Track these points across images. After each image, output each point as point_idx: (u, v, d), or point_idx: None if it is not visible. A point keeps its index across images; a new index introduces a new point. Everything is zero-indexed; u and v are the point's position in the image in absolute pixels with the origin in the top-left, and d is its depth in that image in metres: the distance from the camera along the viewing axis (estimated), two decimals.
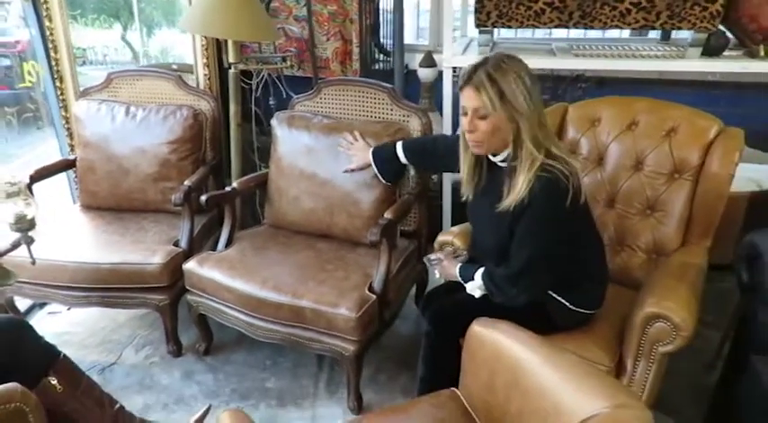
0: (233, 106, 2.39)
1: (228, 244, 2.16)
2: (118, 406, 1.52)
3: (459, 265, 1.64)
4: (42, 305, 2.50)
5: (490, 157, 1.53)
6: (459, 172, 1.63)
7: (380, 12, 3.26)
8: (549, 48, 2.77)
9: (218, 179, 2.50)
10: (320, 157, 2.15)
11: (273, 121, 2.26)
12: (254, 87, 2.66)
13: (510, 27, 2.44)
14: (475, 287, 1.56)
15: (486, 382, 1.27)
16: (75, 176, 2.49)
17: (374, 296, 1.85)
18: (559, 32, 3.49)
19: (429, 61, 3.00)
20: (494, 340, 1.26)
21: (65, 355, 1.45)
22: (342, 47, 3.01)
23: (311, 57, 2.85)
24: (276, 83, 2.77)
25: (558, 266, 1.50)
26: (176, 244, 2.17)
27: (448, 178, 2.57)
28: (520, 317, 1.38)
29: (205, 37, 2.51)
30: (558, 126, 2.06)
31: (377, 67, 3.26)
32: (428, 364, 1.65)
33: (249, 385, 2.10)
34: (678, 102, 1.95)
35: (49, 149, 2.73)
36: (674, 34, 2.88)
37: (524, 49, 2.80)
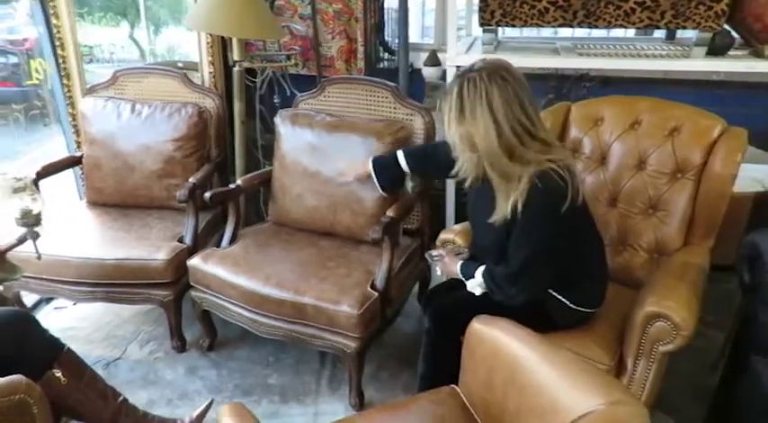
0: (237, 104, 2.41)
1: (232, 241, 2.18)
2: (121, 398, 1.54)
3: (461, 262, 1.65)
4: (49, 300, 2.52)
5: None
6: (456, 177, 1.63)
7: (386, 10, 3.27)
8: (554, 47, 2.77)
9: (222, 176, 2.52)
10: (323, 155, 2.16)
11: (277, 119, 2.27)
12: (258, 85, 2.67)
13: (514, 26, 2.45)
14: (475, 285, 1.57)
15: (484, 379, 1.28)
16: (82, 173, 2.51)
17: (376, 293, 1.86)
18: (565, 31, 3.49)
19: (433, 60, 3.01)
20: (492, 338, 1.27)
21: (69, 348, 1.47)
22: (347, 45, 3.02)
23: (315, 55, 2.86)
24: (280, 81, 2.78)
25: (556, 265, 1.51)
26: (181, 240, 2.18)
27: None
28: (520, 315, 1.38)
29: (210, 35, 2.53)
30: (560, 125, 2.06)
31: (382, 65, 3.27)
32: (429, 361, 1.66)
33: (252, 381, 2.12)
34: (683, 101, 1.95)
35: (56, 146, 2.75)
36: (680, 34, 2.88)
37: (528, 48, 2.81)
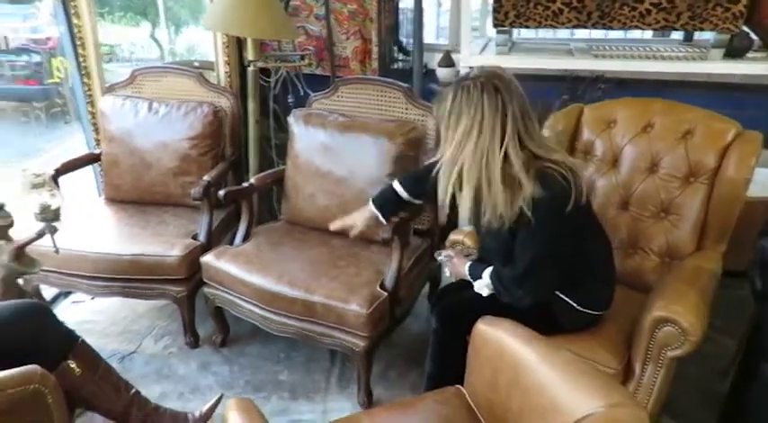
0: (251, 103, 2.44)
1: (246, 238, 2.21)
2: (133, 391, 1.58)
3: (469, 263, 1.65)
4: (67, 294, 2.58)
5: None
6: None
7: (401, 11, 3.28)
8: (568, 48, 2.76)
9: (237, 175, 2.56)
10: (336, 154, 2.19)
11: (290, 119, 2.30)
12: (272, 85, 2.70)
13: (527, 27, 2.44)
14: (482, 286, 1.57)
15: (489, 379, 1.29)
16: (101, 170, 2.57)
17: (385, 293, 1.88)
18: (583, 33, 3.46)
19: (448, 61, 3.01)
20: (497, 339, 1.28)
21: (83, 341, 1.51)
22: (361, 46, 3.04)
23: (329, 55, 2.88)
24: (294, 81, 2.81)
25: (562, 267, 1.51)
26: (195, 237, 2.22)
27: None
28: (527, 317, 1.39)
29: (226, 35, 2.57)
30: (572, 127, 2.06)
31: (396, 66, 3.29)
32: (435, 361, 1.67)
33: (263, 377, 2.15)
34: (700, 104, 1.92)
35: (76, 144, 2.82)
36: (698, 35, 2.84)
37: (542, 49, 2.80)
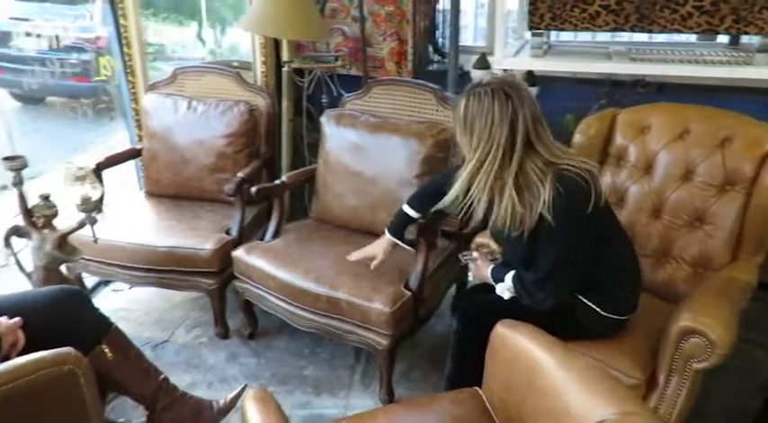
0: (285, 102, 2.50)
1: (276, 235, 2.26)
2: (162, 377, 1.64)
3: (492, 266, 1.65)
4: (107, 283, 2.69)
5: None
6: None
7: (439, 13, 3.29)
8: (607, 51, 2.71)
9: (270, 172, 2.62)
10: (365, 154, 2.22)
11: (323, 119, 2.34)
12: (306, 85, 2.75)
13: (563, 30, 2.42)
14: (504, 289, 1.57)
15: (505, 381, 1.29)
16: (142, 165, 2.67)
17: (409, 293, 1.89)
18: (624, 36, 3.39)
19: (482, 63, 2.99)
20: (515, 341, 1.28)
21: (117, 327, 1.58)
22: (398, 47, 3.06)
23: (362, 56, 2.91)
24: (328, 81, 2.86)
25: (583, 269, 1.50)
26: (228, 232, 2.28)
27: None
28: (550, 321, 1.39)
29: (264, 36, 2.63)
30: (605, 132, 2.02)
31: (432, 67, 3.30)
32: (455, 362, 1.68)
33: (288, 371, 2.19)
34: (745, 110, 1.86)
35: (121, 139, 2.94)
36: (745, 39, 2.74)
37: (579, 52, 2.76)
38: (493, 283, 1.63)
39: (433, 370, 2.16)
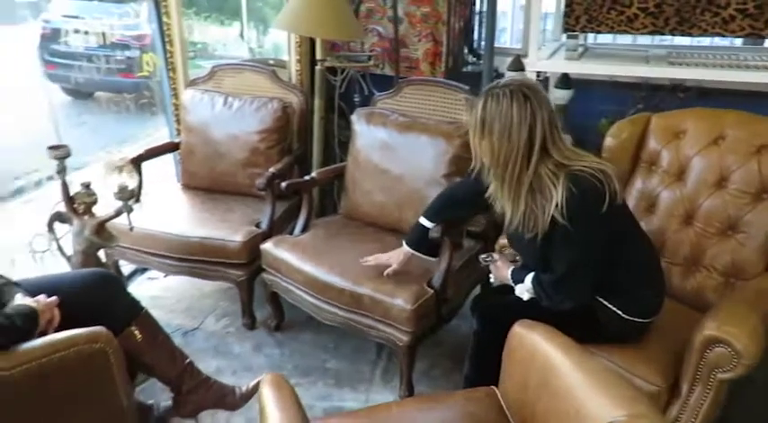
0: (317, 100, 2.55)
1: (305, 229, 2.30)
2: (188, 361, 1.71)
3: (512, 267, 1.65)
4: (143, 271, 2.80)
5: None
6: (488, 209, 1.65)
7: (476, 14, 3.28)
8: (645, 54, 2.65)
9: (302, 168, 2.67)
10: (394, 153, 2.24)
11: (353, 117, 2.38)
12: (338, 84, 2.79)
13: (599, 32, 2.39)
14: (523, 290, 1.57)
15: (520, 381, 1.30)
16: (180, 158, 2.77)
17: (431, 291, 1.91)
18: (665, 39, 3.31)
19: (517, 65, 2.97)
20: (531, 341, 1.28)
21: (147, 311, 1.65)
22: (433, 48, 3.07)
23: (395, 56, 2.93)
24: (360, 80, 2.89)
25: (601, 270, 1.49)
26: (258, 225, 2.34)
27: None
28: (571, 323, 1.39)
29: (299, 35, 2.69)
30: (638, 136, 1.99)
31: (467, 69, 3.29)
32: (474, 362, 1.69)
33: (311, 363, 2.23)
34: None
35: (163, 133, 3.05)
36: None
37: (616, 55, 2.71)
38: (513, 285, 1.63)
39: (454, 369, 2.17)
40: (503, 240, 1.92)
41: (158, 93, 3.02)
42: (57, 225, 1.96)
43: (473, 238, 2.27)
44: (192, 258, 2.27)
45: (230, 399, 1.74)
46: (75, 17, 4.03)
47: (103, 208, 1.94)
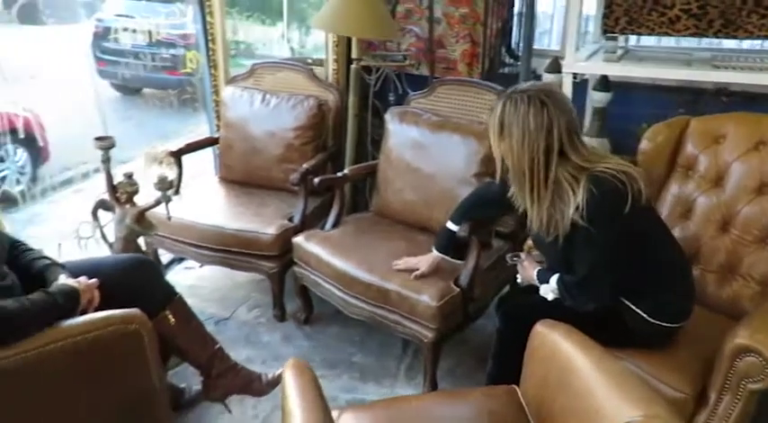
0: (351, 98, 2.59)
1: (336, 225, 2.35)
2: (218, 346, 1.77)
3: (538, 268, 1.65)
4: (180, 260, 2.89)
5: None
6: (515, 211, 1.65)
7: (516, 16, 3.26)
8: (688, 57, 2.59)
9: (335, 165, 2.71)
10: (426, 152, 2.26)
11: (387, 115, 2.41)
12: (373, 82, 2.83)
13: (640, 34, 2.35)
14: (548, 290, 1.57)
15: (540, 379, 1.30)
16: (218, 152, 2.86)
17: (458, 289, 1.92)
18: (711, 41, 3.21)
19: (554, 67, 2.94)
20: (552, 340, 1.28)
21: (181, 296, 1.72)
22: (470, 49, 3.07)
23: (430, 56, 2.95)
24: (395, 80, 2.92)
25: (623, 271, 1.47)
26: (290, 220, 2.40)
27: None
28: (596, 326, 1.38)
29: (337, 35, 2.73)
30: (675, 140, 1.95)
31: (504, 70, 3.28)
32: (496, 360, 1.69)
33: (337, 356, 2.27)
34: None
35: (205, 129, 3.16)
36: None
37: (657, 57, 2.65)
38: (538, 285, 1.62)
39: (478, 368, 2.16)
40: (530, 241, 1.91)
41: (200, 89, 3.12)
42: (100, 213, 2.06)
43: (502, 238, 2.26)
44: (227, 249, 2.35)
45: (257, 385, 1.80)
46: (126, 16, 4.22)
47: (144, 198, 2.03)
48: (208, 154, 3.02)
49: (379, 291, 1.98)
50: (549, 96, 1.41)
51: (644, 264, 1.49)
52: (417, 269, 1.94)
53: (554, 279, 1.56)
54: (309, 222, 2.47)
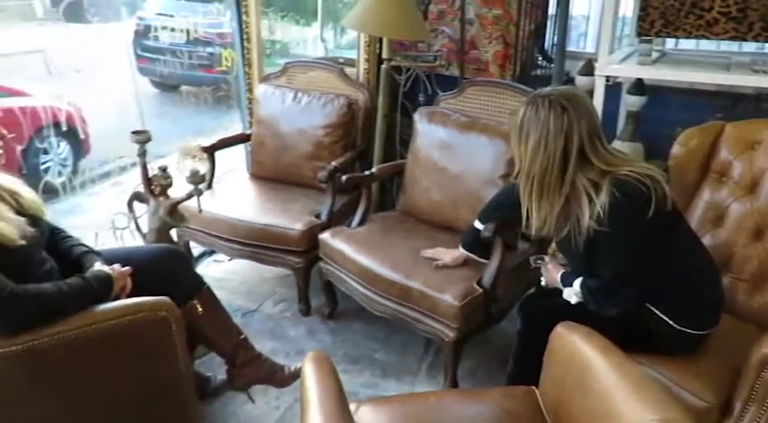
0: (381, 98, 2.61)
1: (362, 223, 2.37)
2: (242, 336, 1.82)
3: (563, 271, 1.64)
4: (211, 253, 2.97)
5: None
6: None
7: (550, 17, 3.24)
8: (726, 61, 2.53)
9: (363, 164, 2.74)
10: (453, 152, 2.27)
11: (416, 115, 2.43)
12: (402, 83, 2.85)
13: (676, 37, 2.30)
14: (571, 293, 1.56)
15: (559, 380, 1.30)
16: (250, 149, 2.92)
17: (481, 290, 1.92)
18: (752, 45, 3.12)
19: (588, 69, 2.91)
20: (572, 342, 1.28)
21: (209, 287, 1.77)
22: (503, 50, 3.05)
23: (459, 57, 2.95)
24: (424, 80, 2.93)
25: (648, 278, 1.46)
26: (318, 216, 2.43)
27: None
28: (619, 330, 1.37)
29: (369, 35, 2.76)
30: (708, 145, 1.91)
31: (538, 72, 3.25)
32: (517, 361, 1.69)
33: (360, 353, 2.30)
34: None
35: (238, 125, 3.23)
36: None
37: (695, 61, 2.60)
38: (561, 288, 1.61)
39: (500, 370, 2.15)
40: (555, 244, 1.90)
41: (235, 87, 3.20)
42: (136, 204, 2.13)
43: (528, 240, 2.25)
44: (255, 243, 2.40)
45: (279, 375, 1.84)
46: (166, 15, 4.35)
47: (178, 191, 2.09)
48: (240, 151, 3.09)
49: (401, 288, 2.00)
50: (571, 100, 1.41)
51: (670, 270, 1.47)
52: (440, 259, 2.01)
53: (577, 283, 1.55)
54: (336, 219, 2.50)
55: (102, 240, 2.50)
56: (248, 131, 2.90)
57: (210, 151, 2.58)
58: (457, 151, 2.26)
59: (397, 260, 2.07)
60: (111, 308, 1.41)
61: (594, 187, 1.39)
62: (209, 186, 2.60)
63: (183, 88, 4.69)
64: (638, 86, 2.56)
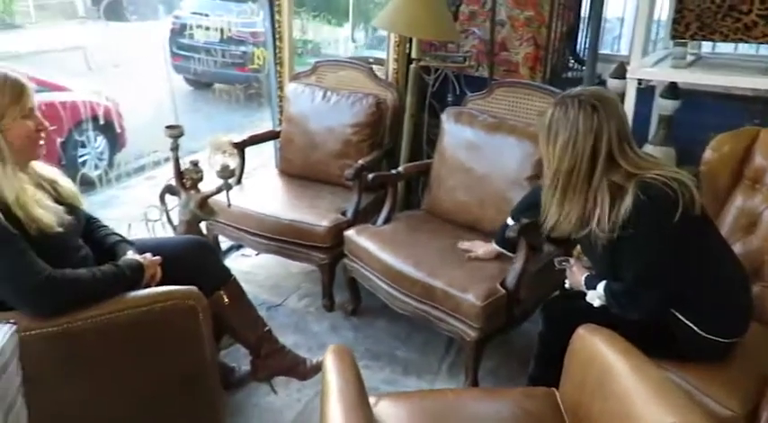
0: (409, 98, 2.63)
1: (387, 221, 2.39)
2: (267, 328, 1.86)
3: (587, 273, 1.63)
4: (238, 247, 3.03)
5: None
6: None
7: (583, 20, 3.20)
8: (764, 66, 2.46)
9: (390, 162, 2.76)
10: (480, 152, 2.27)
11: (443, 115, 2.43)
12: (431, 83, 2.86)
13: (712, 40, 2.26)
14: (594, 296, 1.55)
15: (579, 382, 1.29)
16: (279, 146, 2.97)
17: (504, 290, 1.92)
18: None
19: (620, 72, 2.87)
20: (593, 344, 1.28)
21: (235, 278, 1.82)
22: (533, 52, 3.04)
23: (488, 58, 2.94)
24: (453, 80, 2.94)
25: (673, 281, 1.44)
26: (344, 214, 2.46)
27: None
28: (643, 336, 1.36)
29: (399, 35, 2.78)
30: (742, 151, 1.88)
31: (569, 75, 3.22)
32: (538, 363, 1.69)
33: (382, 349, 2.32)
34: None
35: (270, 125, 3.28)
36: None
37: (731, 65, 2.54)
38: (585, 290, 1.60)
39: (521, 371, 2.14)
40: (580, 247, 1.88)
41: (266, 85, 3.25)
42: (167, 197, 2.19)
43: (553, 243, 2.23)
44: (282, 239, 2.44)
45: (302, 368, 1.87)
46: (201, 14, 4.46)
47: (208, 185, 2.14)
48: (270, 148, 3.15)
49: (424, 287, 2.01)
50: (601, 101, 1.40)
51: (697, 275, 1.45)
52: (473, 251, 2.07)
53: (601, 286, 1.54)
54: (362, 217, 2.52)
55: (135, 231, 2.58)
56: (278, 129, 2.95)
57: (241, 147, 2.63)
58: (484, 152, 2.26)
59: (420, 259, 2.08)
60: (142, 295, 1.46)
61: (620, 190, 1.38)
62: (239, 181, 2.66)
63: (216, 86, 4.80)
64: (672, 90, 2.51)
